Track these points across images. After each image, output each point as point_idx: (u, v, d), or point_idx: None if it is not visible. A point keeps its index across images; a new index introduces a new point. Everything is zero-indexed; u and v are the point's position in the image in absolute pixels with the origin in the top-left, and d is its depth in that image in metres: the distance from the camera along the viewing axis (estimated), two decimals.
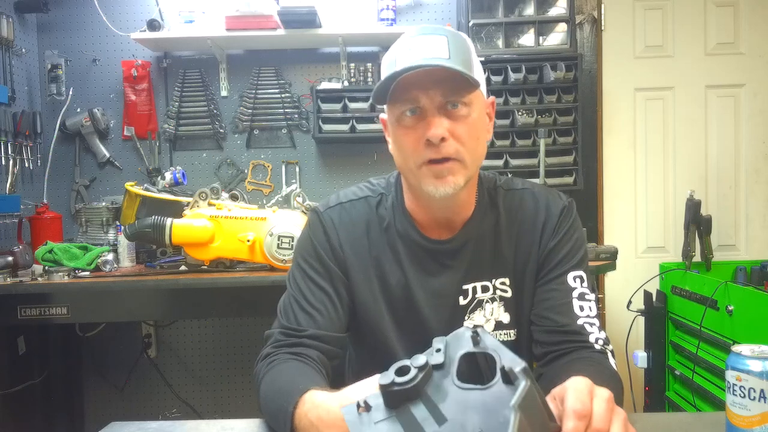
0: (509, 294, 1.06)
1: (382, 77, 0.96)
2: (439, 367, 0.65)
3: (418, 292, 1.05)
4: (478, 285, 1.05)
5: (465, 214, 1.05)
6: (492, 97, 1.06)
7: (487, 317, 1.06)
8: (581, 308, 0.99)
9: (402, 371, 0.64)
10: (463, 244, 1.05)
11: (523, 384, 0.58)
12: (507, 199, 1.08)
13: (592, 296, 1.02)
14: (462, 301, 1.05)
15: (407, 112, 0.96)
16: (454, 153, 0.95)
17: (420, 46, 0.93)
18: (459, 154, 0.95)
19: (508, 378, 0.59)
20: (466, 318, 1.06)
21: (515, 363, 0.60)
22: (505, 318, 1.06)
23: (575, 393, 0.64)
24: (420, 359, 0.65)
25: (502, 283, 1.06)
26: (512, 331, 1.07)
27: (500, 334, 1.06)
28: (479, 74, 0.97)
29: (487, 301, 1.06)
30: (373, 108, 2.57)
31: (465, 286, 1.05)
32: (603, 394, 0.65)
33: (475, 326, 0.67)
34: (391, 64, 0.96)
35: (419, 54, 0.92)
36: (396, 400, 0.64)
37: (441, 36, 0.94)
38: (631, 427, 0.66)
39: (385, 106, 1.02)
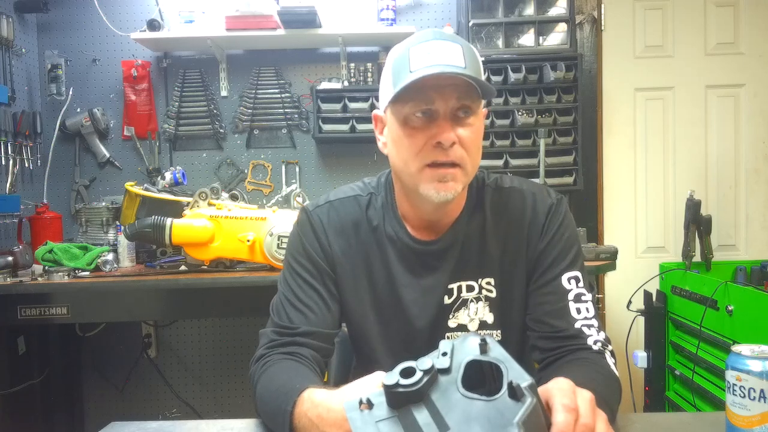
0: (494, 294, 1.06)
1: (393, 76, 0.96)
2: (444, 371, 0.65)
3: (405, 292, 1.05)
4: (464, 284, 1.05)
5: (453, 215, 1.05)
6: (485, 109, 1.05)
7: (471, 316, 1.05)
8: (578, 310, 0.98)
9: (407, 373, 0.64)
10: (449, 245, 1.05)
11: (529, 401, 0.58)
12: (494, 199, 1.07)
13: (589, 296, 1.00)
14: (447, 300, 1.05)
15: (418, 113, 0.95)
16: (460, 159, 0.95)
17: (438, 50, 0.93)
18: (463, 160, 0.95)
19: (514, 392, 0.59)
20: (450, 317, 1.06)
21: (523, 378, 0.59)
22: (489, 318, 1.06)
23: (561, 392, 0.65)
24: (426, 362, 0.65)
25: (488, 283, 1.06)
26: (496, 331, 1.06)
27: (484, 333, 1.06)
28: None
29: (471, 300, 1.05)
30: (373, 108, 2.57)
31: (450, 285, 1.05)
32: (585, 394, 0.67)
33: (484, 335, 0.67)
34: (403, 65, 0.94)
35: (439, 58, 0.92)
36: (399, 401, 0.64)
37: (456, 44, 0.94)
38: (611, 428, 0.67)
39: (383, 104, 1.01)
